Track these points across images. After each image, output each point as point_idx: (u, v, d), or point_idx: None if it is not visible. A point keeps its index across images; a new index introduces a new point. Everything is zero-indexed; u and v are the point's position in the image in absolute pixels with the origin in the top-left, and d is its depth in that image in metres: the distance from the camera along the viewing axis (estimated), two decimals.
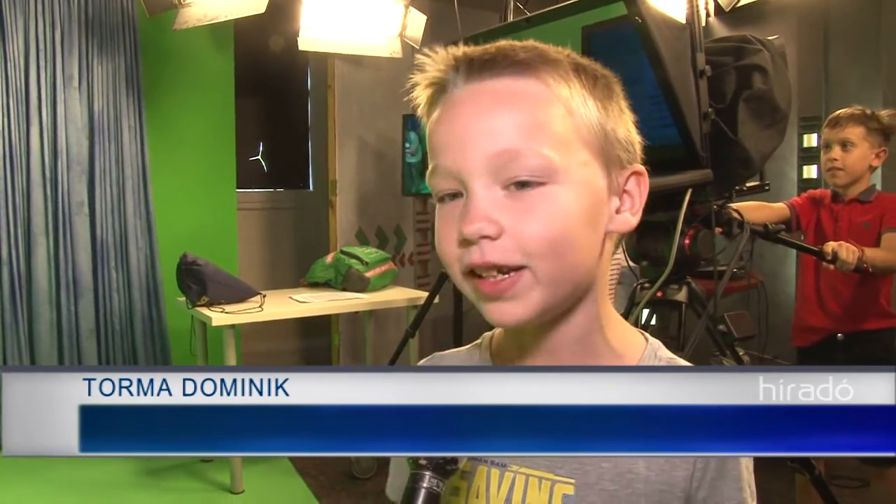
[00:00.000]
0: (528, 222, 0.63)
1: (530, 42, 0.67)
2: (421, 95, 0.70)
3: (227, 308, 3.16)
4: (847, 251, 1.99)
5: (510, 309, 0.65)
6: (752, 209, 2.29)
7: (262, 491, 3.18)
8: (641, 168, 0.70)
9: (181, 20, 3.28)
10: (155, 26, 3.74)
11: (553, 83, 0.65)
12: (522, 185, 0.63)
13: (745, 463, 0.71)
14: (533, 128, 0.64)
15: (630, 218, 0.69)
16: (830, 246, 2.01)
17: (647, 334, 0.77)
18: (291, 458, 3.53)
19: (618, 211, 0.69)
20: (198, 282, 3.20)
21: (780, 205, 2.48)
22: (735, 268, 1.98)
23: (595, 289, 0.71)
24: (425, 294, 3.55)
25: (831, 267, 2.03)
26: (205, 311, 3.13)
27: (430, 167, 0.68)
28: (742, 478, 0.71)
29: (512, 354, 0.76)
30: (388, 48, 4.08)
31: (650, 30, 1.51)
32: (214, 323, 3.03)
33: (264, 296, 3.36)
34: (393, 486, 0.86)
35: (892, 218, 2.24)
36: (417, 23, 3.99)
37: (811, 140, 4.51)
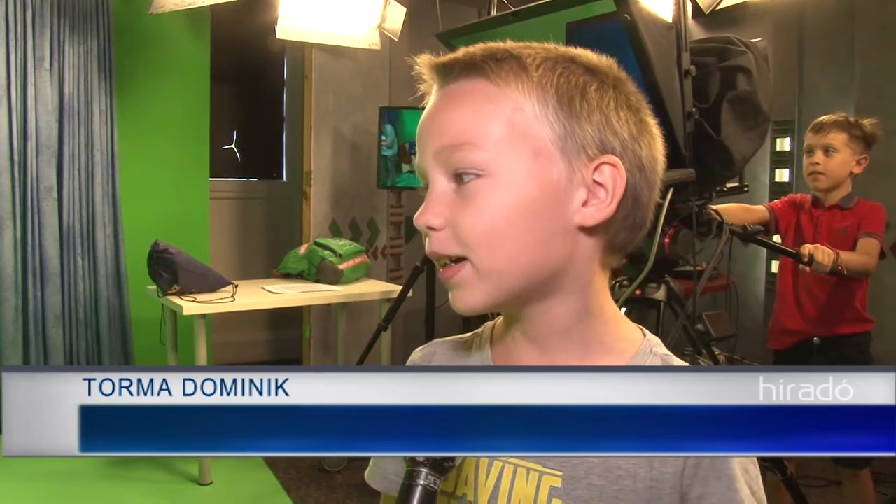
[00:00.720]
0: (465, 214, 0.67)
1: (497, 43, 0.70)
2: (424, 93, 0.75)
3: (199, 297, 3.12)
4: (823, 254, 2.02)
5: (460, 296, 0.69)
6: (733, 211, 2.32)
7: (230, 483, 3.15)
8: (613, 158, 0.68)
9: (157, 4, 3.22)
10: (129, 9, 3.68)
11: (502, 81, 0.67)
12: (460, 178, 0.67)
13: (739, 464, 0.69)
14: (472, 124, 0.67)
15: (596, 212, 0.68)
16: (807, 248, 2.05)
17: (646, 331, 0.77)
18: None
19: (584, 204, 0.68)
20: (169, 270, 3.15)
21: (761, 207, 2.52)
22: (699, 268, 1.99)
23: (574, 283, 0.71)
24: (398, 287, 3.54)
25: (807, 269, 2.06)
26: (176, 299, 3.09)
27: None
28: (736, 477, 0.69)
29: (507, 343, 0.77)
30: (367, 40, 4.06)
31: (638, 28, 1.51)
32: (186, 312, 2.99)
33: (236, 286, 3.32)
34: (374, 473, 0.86)
35: (869, 224, 2.29)
36: (397, 15, 3.97)
37: (784, 144, 4.57)
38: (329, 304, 4.08)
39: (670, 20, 1.79)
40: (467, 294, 0.69)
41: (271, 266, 4.22)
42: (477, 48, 0.70)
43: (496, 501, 0.73)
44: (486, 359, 0.79)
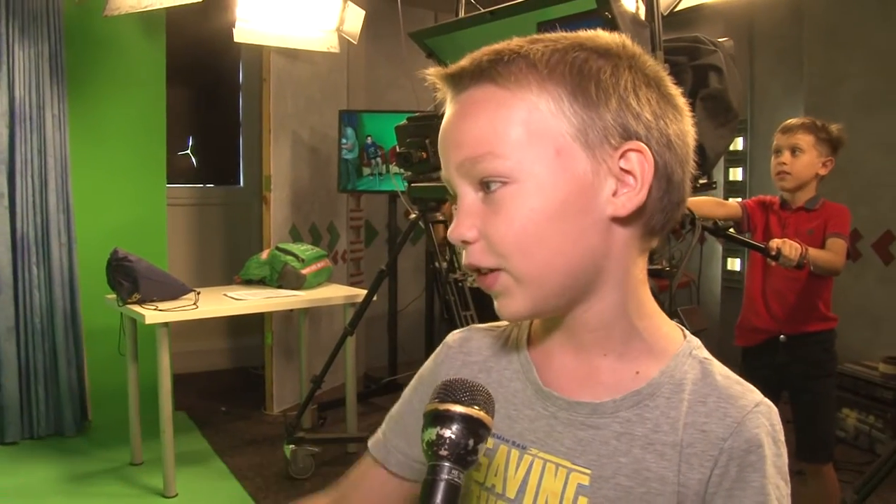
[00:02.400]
0: (495, 225, 0.67)
1: (500, 44, 0.69)
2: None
3: (161, 306, 3.05)
4: (790, 248, 2.08)
5: (504, 304, 0.70)
6: (709, 204, 2.38)
7: (196, 494, 3.08)
8: (638, 144, 0.66)
9: (113, 7, 3.15)
10: (81, 11, 3.59)
11: (512, 84, 0.66)
12: (488, 188, 0.67)
13: (770, 478, 0.66)
14: (488, 133, 0.66)
15: (627, 202, 0.66)
16: (775, 243, 2.11)
17: (688, 332, 0.76)
18: (225, 460, 3.44)
19: (615, 194, 0.67)
20: (129, 278, 3.08)
21: (734, 203, 2.60)
22: (668, 266, 2.02)
23: (613, 278, 0.70)
24: (362, 292, 3.52)
25: (773, 263, 2.11)
26: (137, 308, 3.02)
27: None
28: (766, 491, 0.66)
29: (543, 338, 0.77)
30: (326, 42, 4.03)
31: (618, 26, 1.53)
32: (148, 321, 2.92)
33: (198, 293, 3.26)
34: (379, 441, 0.88)
35: (835, 224, 2.36)
36: (355, 18, 3.95)
37: (737, 144, 4.68)
38: (291, 310, 4.03)
39: (643, 19, 1.83)
40: (510, 302, 0.69)
41: (230, 273, 4.16)
42: (483, 52, 0.69)
43: (524, 495, 0.73)
44: (523, 352, 0.78)
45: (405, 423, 0.85)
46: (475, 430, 0.60)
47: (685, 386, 0.70)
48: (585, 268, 0.68)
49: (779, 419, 0.70)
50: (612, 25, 1.53)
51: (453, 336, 0.85)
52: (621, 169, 0.66)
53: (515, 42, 0.69)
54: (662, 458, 0.68)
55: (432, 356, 0.87)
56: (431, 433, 0.60)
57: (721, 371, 0.72)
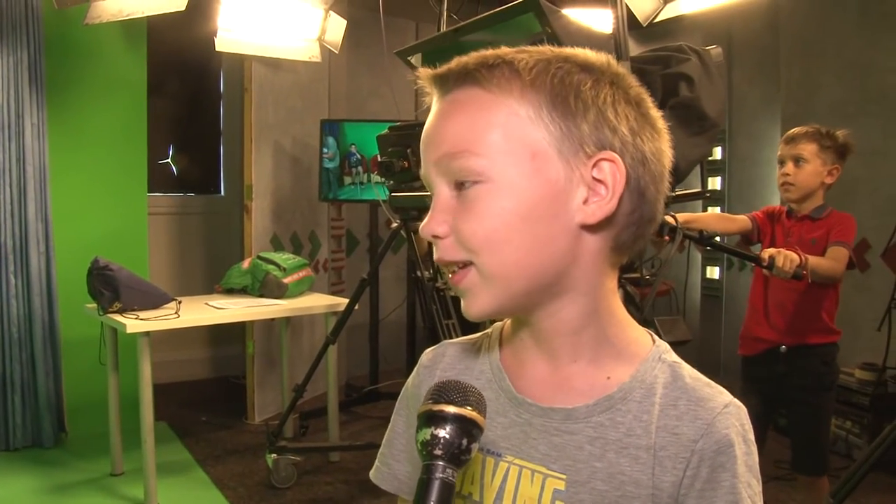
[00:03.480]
0: (466, 221, 0.68)
1: (489, 51, 0.71)
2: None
3: (142, 315, 3.04)
4: (784, 259, 2.05)
5: (469, 302, 0.71)
6: (718, 220, 2.38)
7: None
8: (611, 154, 0.68)
9: (94, 15, 3.14)
10: (62, 19, 3.57)
11: (496, 88, 0.69)
12: (461, 185, 0.69)
13: (740, 477, 0.68)
14: (467, 132, 0.68)
15: (597, 210, 0.68)
16: (768, 252, 2.07)
17: (656, 336, 0.77)
18: (207, 470, 3.42)
19: (585, 202, 0.68)
20: (110, 287, 3.06)
21: (743, 217, 2.55)
22: (648, 275, 2.04)
23: (583, 284, 0.71)
24: (344, 301, 3.52)
25: (768, 273, 2.09)
26: (118, 317, 3.00)
27: None
28: (737, 490, 0.67)
29: (515, 344, 0.78)
30: (307, 52, 4.04)
31: (560, 40, 1.56)
32: (129, 330, 2.90)
33: (180, 302, 3.25)
34: (382, 473, 0.87)
35: (838, 233, 2.31)
36: (337, 27, 3.96)
37: (715, 153, 4.74)
38: (273, 319, 4.02)
39: (609, 32, 1.85)
40: (475, 299, 0.70)
41: (211, 282, 4.14)
42: (471, 56, 0.71)
43: (501, 501, 0.74)
44: (495, 361, 0.79)
45: (407, 449, 0.86)
46: (468, 429, 0.62)
47: (656, 389, 0.71)
48: (552, 271, 0.70)
49: (748, 418, 0.72)
50: (555, 41, 1.56)
51: (426, 355, 0.87)
52: (594, 178, 0.68)
53: (503, 49, 0.71)
54: (636, 461, 0.69)
55: (411, 378, 0.87)
56: (426, 433, 0.61)
57: (690, 373, 0.73)
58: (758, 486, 0.70)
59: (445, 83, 0.72)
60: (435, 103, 0.73)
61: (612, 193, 0.68)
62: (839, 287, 2.40)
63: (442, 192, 0.71)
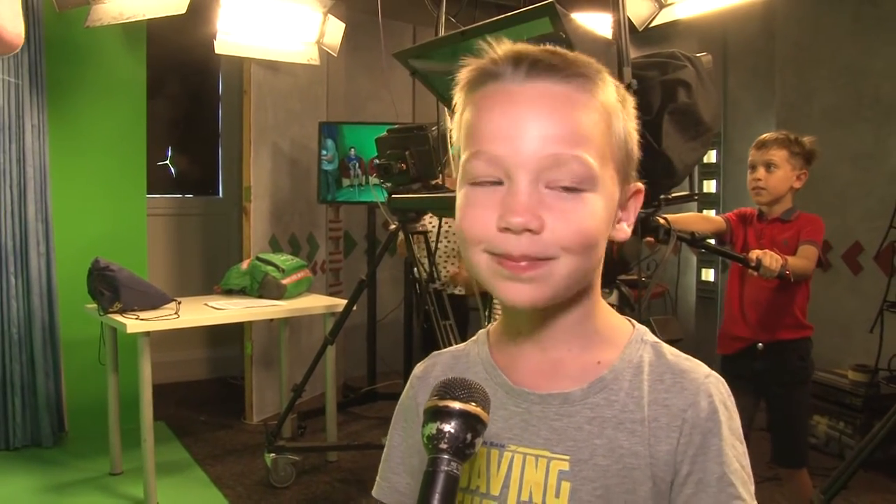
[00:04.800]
0: (568, 223, 0.69)
1: (579, 53, 0.73)
2: (469, 76, 0.74)
3: (142, 315, 3.06)
4: (771, 259, 2.13)
5: (527, 291, 0.70)
6: (692, 219, 2.45)
7: (176, 503, 3.08)
8: (641, 186, 0.78)
9: (94, 17, 3.17)
10: (62, 22, 3.60)
11: (601, 95, 0.72)
12: (565, 188, 0.69)
13: (726, 440, 0.73)
14: (582, 136, 0.69)
15: (626, 228, 0.78)
16: (755, 254, 2.15)
17: (634, 321, 0.82)
18: (206, 469, 3.44)
19: (618, 220, 0.77)
20: (110, 288, 3.09)
21: (718, 218, 2.65)
22: (644, 276, 2.08)
23: (591, 286, 0.77)
24: (342, 301, 3.55)
25: (755, 273, 2.16)
26: (118, 317, 3.02)
27: (469, 150, 0.72)
28: (725, 452, 0.72)
29: (508, 343, 0.81)
30: (306, 55, 4.07)
31: (573, 44, 1.59)
32: (129, 330, 2.93)
33: (179, 302, 3.27)
34: (382, 488, 0.88)
35: (808, 232, 2.42)
36: (336, 30, 4.00)
37: (710, 156, 4.77)
38: (271, 320, 4.05)
39: (611, 37, 1.89)
40: (536, 290, 0.70)
41: (210, 283, 4.17)
42: (570, 53, 0.72)
43: (508, 490, 0.76)
44: (487, 361, 0.82)
45: (405, 461, 0.87)
46: (473, 425, 0.64)
47: (643, 368, 0.76)
48: (592, 275, 0.76)
49: (727, 387, 0.77)
50: (567, 45, 1.59)
51: (419, 368, 0.89)
52: (627, 201, 0.77)
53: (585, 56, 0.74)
54: (633, 434, 0.73)
55: (405, 391, 0.89)
56: (431, 428, 0.64)
57: (670, 351, 0.79)
58: (742, 448, 0.75)
59: (553, 71, 0.70)
60: (524, 84, 0.70)
61: (633, 219, 0.79)
62: (809, 283, 2.49)
63: (535, 186, 0.69)
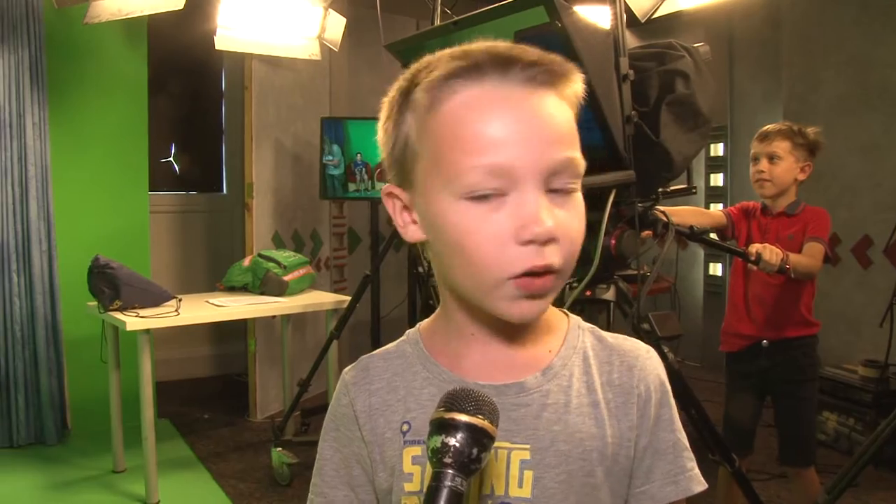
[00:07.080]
0: (573, 226, 0.68)
1: (552, 53, 0.70)
2: (444, 74, 0.69)
3: (142, 312, 3.05)
4: (770, 253, 2.07)
5: (536, 307, 0.70)
6: (692, 214, 2.39)
7: (179, 501, 3.07)
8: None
9: (93, 14, 3.15)
10: (62, 18, 3.59)
11: (576, 90, 0.72)
12: (561, 190, 0.67)
13: (674, 407, 0.79)
14: (573, 136, 0.70)
15: None
16: (755, 248, 2.09)
17: (566, 311, 0.83)
18: (209, 467, 3.43)
19: None
20: (111, 285, 3.07)
21: (719, 212, 2.59)
22: (648, 271, 2.04)
23: None
24: (345, 298, 3.53)
25: (754, 268, 2.11)
26: (118, 315, 3.01)
27: (461, 161, 0.66)
28: (675, 418, 0.79)
29: (451, 342, 0.79)
30: (307, 50, 4.04)
31: (570, 34, 1.56)
32: (129, 328, 2.91)
33: (180, 300, 3.26)
34: None
35: (814, 228, 2.34)
36: (337, 25, 3.96)
37: (717, 149, 4.73)
38: (274, 317, 4.03)
39: (608, 28, 1.85)
40: (546, 302, 0.71)
41: (212, 280, 4.15)
42: (552, 56, 0.70)
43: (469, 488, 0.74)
44: (427, 359, 0.79)
45: (340, 473, 0.82)
46: (479, 439, 0.61)
47: (589, 352, 0.79)
48: None
49: (660, 358, 0.82)
50: (563, 35, 1.55)
51: (349, 374, 0.84)
52: None
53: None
54: (589, 417, 0.75)
55: (337, 399, 0.83)
56: (437, 441, 0.61)
57: (609, 334, 0.82)
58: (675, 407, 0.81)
59: (549, 77, 0.68)
60: (519, 89, 0.67)
61: None
62: (815, 280, 2.44)
63: (540, 192, 0.66)
